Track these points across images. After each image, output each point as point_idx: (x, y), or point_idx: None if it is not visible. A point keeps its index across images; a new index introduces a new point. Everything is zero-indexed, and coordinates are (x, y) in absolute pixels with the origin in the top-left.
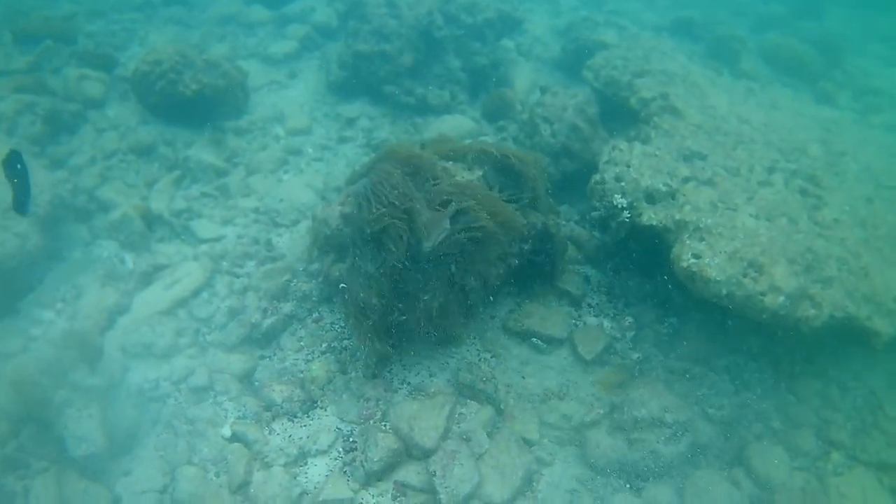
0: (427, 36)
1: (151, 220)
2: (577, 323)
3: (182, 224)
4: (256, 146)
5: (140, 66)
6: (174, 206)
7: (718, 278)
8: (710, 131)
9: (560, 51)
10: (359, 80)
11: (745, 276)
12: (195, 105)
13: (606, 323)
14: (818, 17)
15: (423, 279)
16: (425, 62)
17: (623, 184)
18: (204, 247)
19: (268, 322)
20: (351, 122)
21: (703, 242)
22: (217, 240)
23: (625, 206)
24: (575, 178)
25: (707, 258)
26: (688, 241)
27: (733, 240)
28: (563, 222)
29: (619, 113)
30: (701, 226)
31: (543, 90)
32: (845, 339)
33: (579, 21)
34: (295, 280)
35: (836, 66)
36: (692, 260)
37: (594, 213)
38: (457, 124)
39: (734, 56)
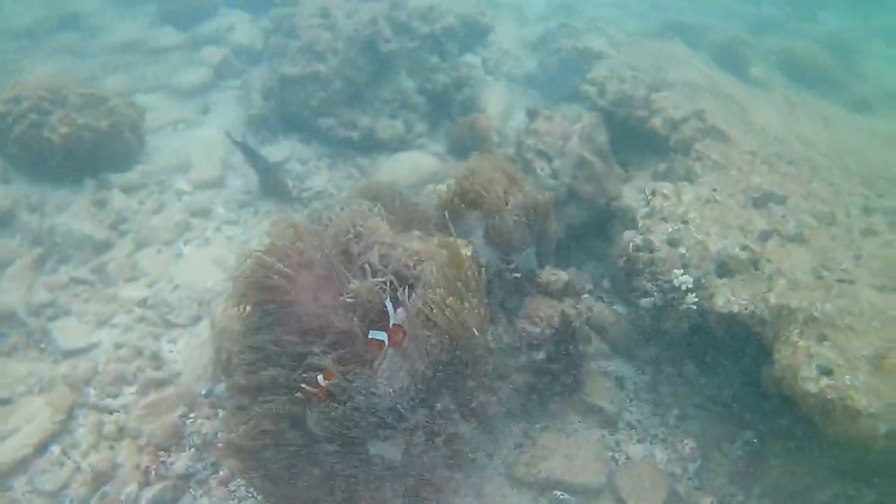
0: (372, 51)
1: None
2: (617, 456)
3: (42, 327)
4: (150, 207)
5: None
6: (33, 300)
7: (872, 409)
8: (771, 160)
9: (536, 65)
10: (287, 113)
11: None
12: (69, 154)
13: (658, 452)
14: (812, 18)
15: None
16: (371, 84)
17: (683, 250)
18: (64, 366)
19: (150, 494)
20: (277, 167)
21: (828, 344)
22: (86, 351)
23: (690, 286)
24: (584, 231)
25: (845, 374)
26: (800, 342)
27: (868, 334)
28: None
29: (634, 139)
30: (816, 314)
31: (532, 113)
32: None
33: (556, 29)
34: (193, 414)
35: (850, 69)
36: (825, 381)
37: (645, 301)
38: (415, 164)
39: (742, 62)
